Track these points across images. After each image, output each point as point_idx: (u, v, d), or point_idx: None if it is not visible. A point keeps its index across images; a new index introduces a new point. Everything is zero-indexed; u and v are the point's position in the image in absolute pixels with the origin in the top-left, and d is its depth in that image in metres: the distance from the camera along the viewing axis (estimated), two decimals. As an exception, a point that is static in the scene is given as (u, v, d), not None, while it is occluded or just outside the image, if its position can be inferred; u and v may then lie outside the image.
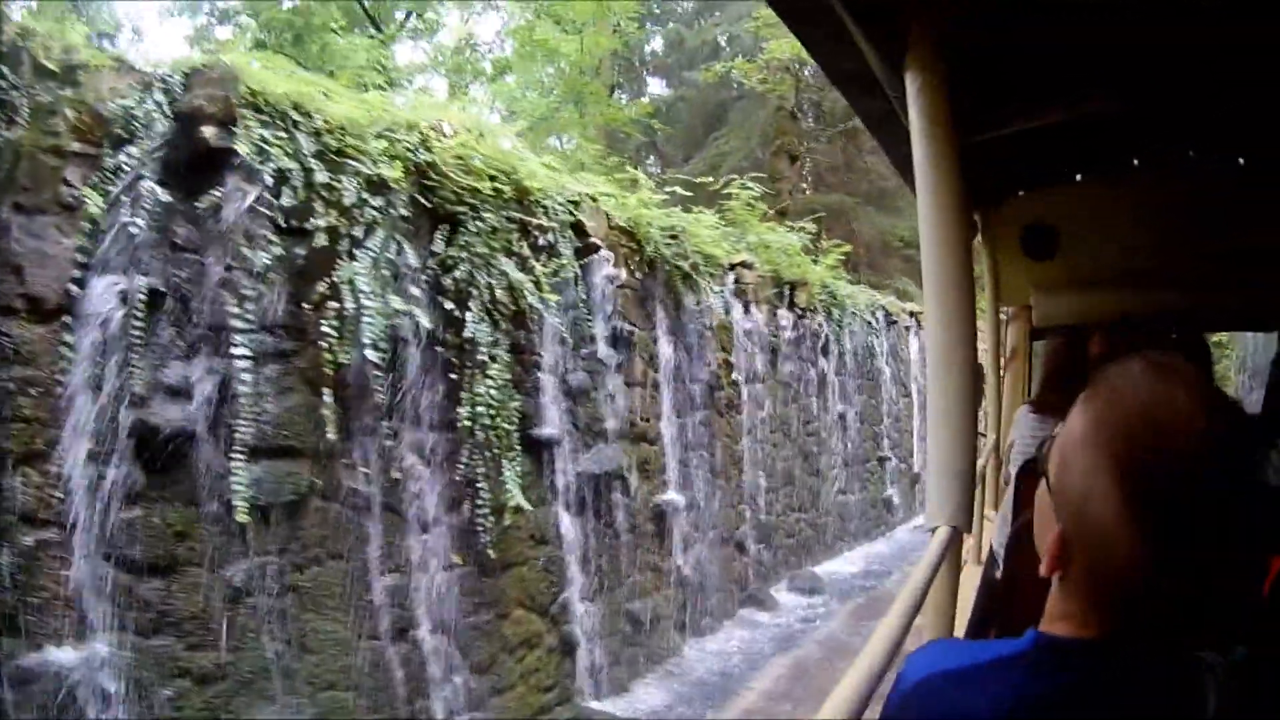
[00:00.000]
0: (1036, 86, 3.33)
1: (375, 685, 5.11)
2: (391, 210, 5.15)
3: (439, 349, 5.54)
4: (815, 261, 12.95)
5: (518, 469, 6.03)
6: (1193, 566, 0.86)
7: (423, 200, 5.41)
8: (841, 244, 13.46)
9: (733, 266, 10.28)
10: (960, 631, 2.58)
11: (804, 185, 21.40)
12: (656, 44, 26.36)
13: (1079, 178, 4.87)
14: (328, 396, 4.80)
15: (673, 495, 8.61)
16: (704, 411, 9.39)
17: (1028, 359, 5.65)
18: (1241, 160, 4.35)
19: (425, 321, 5.23)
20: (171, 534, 4.21)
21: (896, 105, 2.91)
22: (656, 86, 27.23)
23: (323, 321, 4.79)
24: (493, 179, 5.85)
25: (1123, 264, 4.47)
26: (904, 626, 1.56)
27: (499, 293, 5.83)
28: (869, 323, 14.00)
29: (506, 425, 5.93)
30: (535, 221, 6.36)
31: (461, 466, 5.69)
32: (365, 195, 4.96)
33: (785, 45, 16.71)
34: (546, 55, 18.61)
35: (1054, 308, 4.94)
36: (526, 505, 6.00)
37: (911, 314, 16.17)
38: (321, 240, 4.72)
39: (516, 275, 6.00)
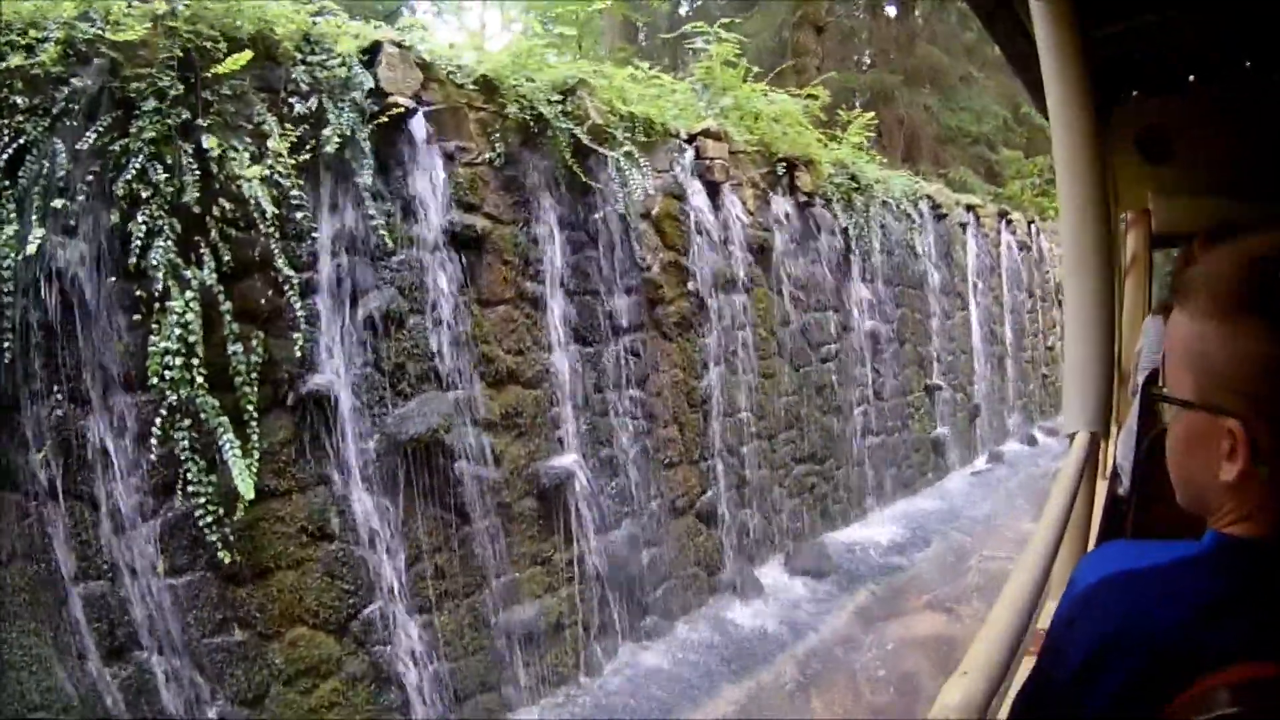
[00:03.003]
0: None
1: (93, 714, 4.04)
2: (50, 107, 3.92)
3: (115, 280, 4.08)
4: (835, 139, 9.97)
5: (252, 441, 4.32)
6: None
7: (109, 87, 4.06)
8: (863, 114, 10.30)
9: (693, 138, 7.46)
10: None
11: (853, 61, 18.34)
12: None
13: (1191, 79, 4.75)
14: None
15: (566, 460, 5.99)
16: (635, 335, 6.69)
17: (1149, 266, 5.46)
18: None
19: (30, 247, 3.78)
20: None
21: None
22: None
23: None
24: (199, 35, 4.26)
25: (1241, 171, 4.20)
26: (1055, 541, 1.56)
27: (189, 191, 4.11)
28: (908, 215, 10.86)
29: (217, 377, 4.23)
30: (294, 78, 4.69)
31: (154, 441, 4.05)
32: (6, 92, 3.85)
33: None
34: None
35: (1174, 214, 4.74)
36: (248, 493, 4.17)
37: (969, 207, 12.92)
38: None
39: (237, 162, 4.29)
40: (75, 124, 3.94)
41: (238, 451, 4.19)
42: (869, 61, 19.87)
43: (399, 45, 5.21)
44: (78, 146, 3.92)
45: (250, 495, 4.16)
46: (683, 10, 20.95)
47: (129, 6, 4.14)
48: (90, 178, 3.96)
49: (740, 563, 7.72)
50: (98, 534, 4.08)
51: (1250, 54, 4.47)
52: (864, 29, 19.63)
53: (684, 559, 7.17)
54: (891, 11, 20.14)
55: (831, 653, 6.40)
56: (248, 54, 4.29)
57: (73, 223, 3.95)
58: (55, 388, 3.97)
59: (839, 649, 6.45)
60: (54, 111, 3.91)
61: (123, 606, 4.13)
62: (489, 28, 20.73)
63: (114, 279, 4.03)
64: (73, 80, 3.94)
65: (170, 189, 4.07)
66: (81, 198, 3.95)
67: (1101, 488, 3.35)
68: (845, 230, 9.40)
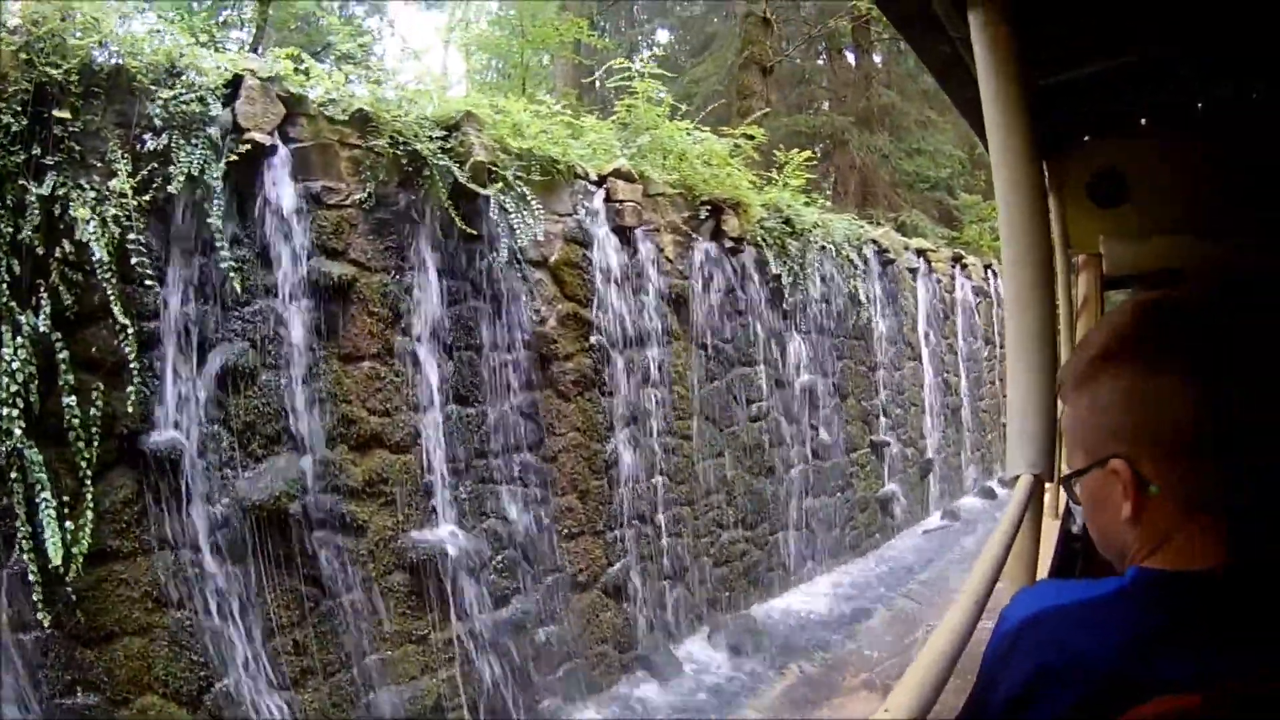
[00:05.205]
0: (1102, 29, 3.39)
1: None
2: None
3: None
4: (771, 182, 9.56)
5: (86, 499, 4.06)
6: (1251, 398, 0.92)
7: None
8: (803, 151, 9.85)
9: (603, 179, 6.97)
10: None
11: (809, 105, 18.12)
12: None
13: (1143, 123, 4.78)
14: None
15: (439, 531, 5.42)
16: (526, 395, 6.12)
17: (1100, 308, 5.23)
18: None
19: None
20: None
21: (961, 47, 3.18)
22: (663, 36, 25.96)
23: None
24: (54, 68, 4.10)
25: (1193, 211, 4.31)
26: (989, 583, 1.58)
27: (28, 231, 3.94)
28: (850, 261, 10.35)
29: (58, 429, 4.05)
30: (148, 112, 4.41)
31: None
32: None
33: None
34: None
35: (1125, 256, 4.69)
36: (56, 558, 3.89)
37: (919, 252, 12.45)
38: None
39: (78, 201, 4.09)
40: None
41: (52, 512, 3.93)
42: (826, 105, 19.65)
43: (261, 78, 4.84)
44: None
45: (58, 560, 3.89)
46: (642, 58, 20.83)
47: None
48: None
49: (656, 639, 7.09)
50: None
51: (1201, 96, 4.51)
52: (820, 72, 19.38)
53: (589, 636, 6.55)
54: (851, 57, 19.99)
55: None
56: (68, 111, 4.10)
57: None
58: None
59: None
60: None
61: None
62: (450, 74, 20.63)
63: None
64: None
65: (10, 229, 3.91)
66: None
67: (1051, 528, 3.31)
68: (778, 278, 8.86)
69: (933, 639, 1.29)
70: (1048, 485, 2.54)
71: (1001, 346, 15.05)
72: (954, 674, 1.24)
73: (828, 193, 16.10)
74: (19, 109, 3.96)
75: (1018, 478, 2.35)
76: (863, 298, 10.60)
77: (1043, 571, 2.71)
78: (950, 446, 13.35)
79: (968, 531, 11.47)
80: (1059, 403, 1.15)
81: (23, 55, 4.02)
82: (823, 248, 9.82)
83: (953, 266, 13.72)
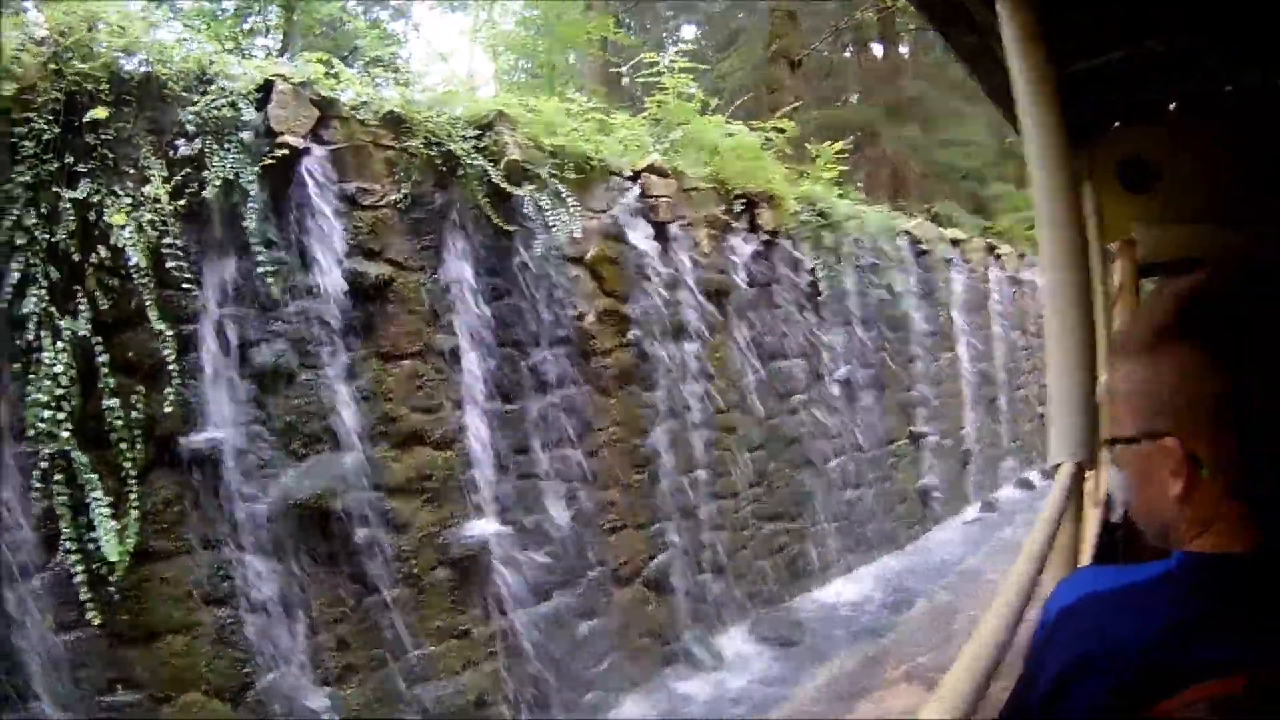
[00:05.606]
0: (1128, 16, 3.38)
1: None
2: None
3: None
4: (805, 175, 9.53)
5: (130, 500, 4.07)
6: None
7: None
8: (834, 144, 9.79)
9: (637, 175, 6.99)
10: None
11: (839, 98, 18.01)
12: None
13: (1172, 107, 4.75)
14: None
15: (483, 527, 5.44)
16: (567, 390, 6.16)
17: (1136, 294, 5.15)
18: None
19: None
20: None
21: (988, 35, 3.17)
22: (689, 32, 25.85)
23: None
24: (84, 77, 4.10)
25: (1225, 197, 4.25)
26: (1034, 573, 1.57)
27: (63, 238, 3.94)
28: (885, 252, 10.30)
29: (100, 432, 4.05)
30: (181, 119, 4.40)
31: (34, 495, 3.87)
32: None
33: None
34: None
35: (1160, 242, 4.64)
36: (112, 555, 3.89)
37: (954, 242, 12.36)
38: None
39: (113, 208, 4.08)
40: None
41: (105, 511, 3.93)
42: (854, 97, 19.56)
43: (292, 82, 4.85)
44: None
45: (114, 558, 3.89)
46: (670, 54, 20.82)
47: (21, 47, 4.01)
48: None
49: (698, 632, 7.10)
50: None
51: (1230, 80, 4.48)
52: (848, 65, 19.30)
53: (631, 630, 6.57)
54: (878, 48, 19.90)
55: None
56: (103, 111, 4.07)
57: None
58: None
59: (803, 727, 5.80)
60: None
61: (18, 655, 3.88)
62: (478, 75, 20.71)
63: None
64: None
65: (46, 236, 3.90)
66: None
67: (1093, 515, 3.32)
68: (814, 270, 8.84)
69: (978, 632, 1.30)
70: (1088, 473, 2.56)
71: (1035, 335, 14.92)
72: (1001, 666, 1.25)
73: (860, 185, 16.02)
74: (50, 117, 3.98)
75: (1059, 466, 2.35)
76: (898, 289, 10.56)
77: (1084, 560, 2.72)
78: (988, 437, 13.22)
79: (1006, 523, 11.35)
80: (1110, 362, 1.11)
81: (51, 65, 4.05)
82: (857, 239, 9.79)
83: (987, 256, 13.62)
